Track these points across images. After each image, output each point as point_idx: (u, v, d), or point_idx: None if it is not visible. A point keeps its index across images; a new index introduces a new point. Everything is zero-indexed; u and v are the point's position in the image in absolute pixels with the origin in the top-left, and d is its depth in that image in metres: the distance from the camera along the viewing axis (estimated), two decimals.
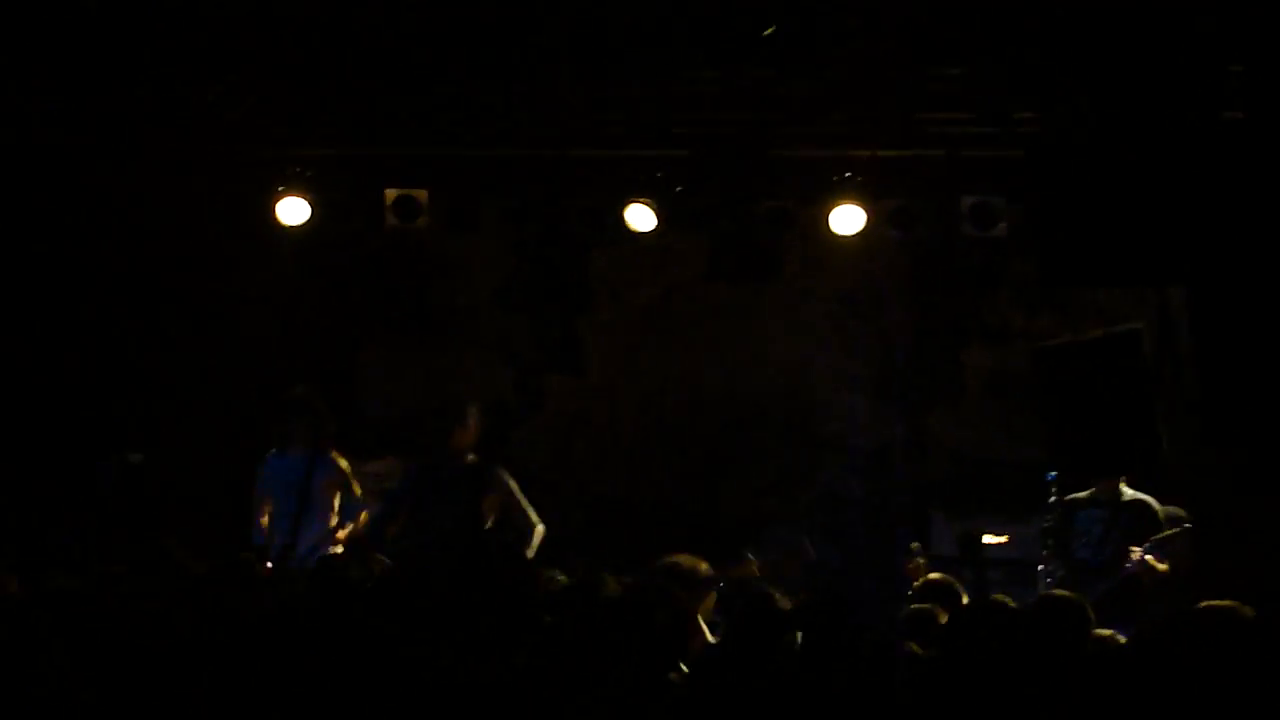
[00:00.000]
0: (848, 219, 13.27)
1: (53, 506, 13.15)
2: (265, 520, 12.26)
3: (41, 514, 13.29)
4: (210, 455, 14.61)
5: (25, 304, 14.58)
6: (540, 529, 12.51)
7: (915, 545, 12.03)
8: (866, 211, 13.25)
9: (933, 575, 10.02)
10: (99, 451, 12.16)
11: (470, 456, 12.51)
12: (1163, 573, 11.38)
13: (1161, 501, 12.36)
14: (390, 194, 13.95)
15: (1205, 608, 6.47)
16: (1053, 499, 11.80)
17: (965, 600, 9.39)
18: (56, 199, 14.33)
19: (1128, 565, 11.47)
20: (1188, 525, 11.48)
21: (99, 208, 14.42)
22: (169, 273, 14.91)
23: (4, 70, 12.78)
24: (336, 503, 12.31)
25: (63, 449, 14.04)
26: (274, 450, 12.59)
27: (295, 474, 12.24)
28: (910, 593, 9.98)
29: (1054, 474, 11.79)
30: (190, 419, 14.67)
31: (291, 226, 13.96)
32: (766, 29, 11.58)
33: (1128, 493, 11.74)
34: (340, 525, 12.18)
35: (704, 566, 9.38)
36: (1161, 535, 11.45)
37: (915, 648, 6.71)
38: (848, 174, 13.24)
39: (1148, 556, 11.41)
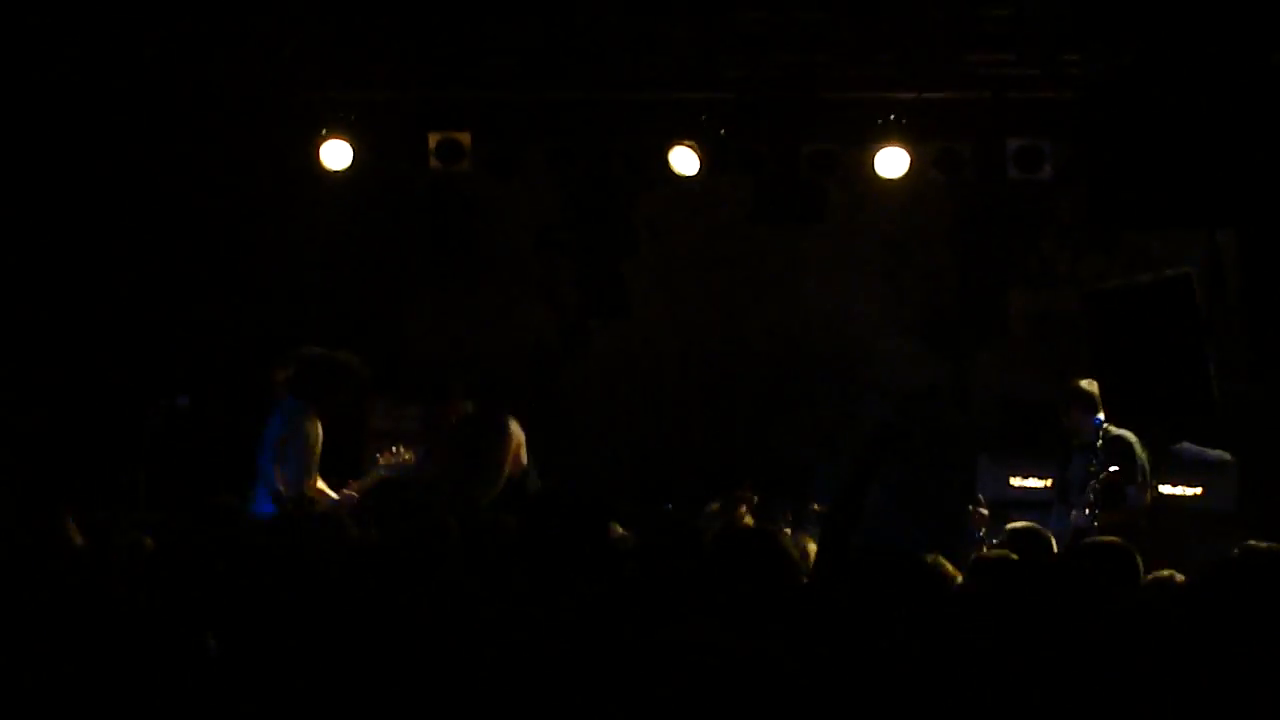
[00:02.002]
0: (893, 162, 13.23)
1: (100, 450, 13.18)
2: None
3: (89, 457, 13.34)
4: (257, 400, 14.63)
5: (74, 249, 14.60)
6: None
7: (980, 496, 11.99)
8: (911, 155, 13.19)
9: (1022, 524, 9.80)
10: (147, 395, 12.15)
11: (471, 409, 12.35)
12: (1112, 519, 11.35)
13: (1209, 444, 12.33)
14: (434, 137, 13.92)
15: (1250, 548, 6.43)
16: (1100, 442, 11.75)
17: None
18: (102, 144, 14.32)
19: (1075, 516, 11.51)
20: (1110, 472, 11.42)
21: (145, 153, 14.41)
22: (214, 216, 14.91)
23: (52, 14, 12.80)
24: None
25: (110, 393, 14.08)
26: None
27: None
28: (987, 538, 9.87)
29: (1100, 418, 11.73)
30: (237, 363, 14.66)
31: (335, 170, 13.95)
32: None
33: (1111, 431, 11.69)
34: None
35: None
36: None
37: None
38: (892, 116, 13.16)
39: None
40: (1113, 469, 11.46)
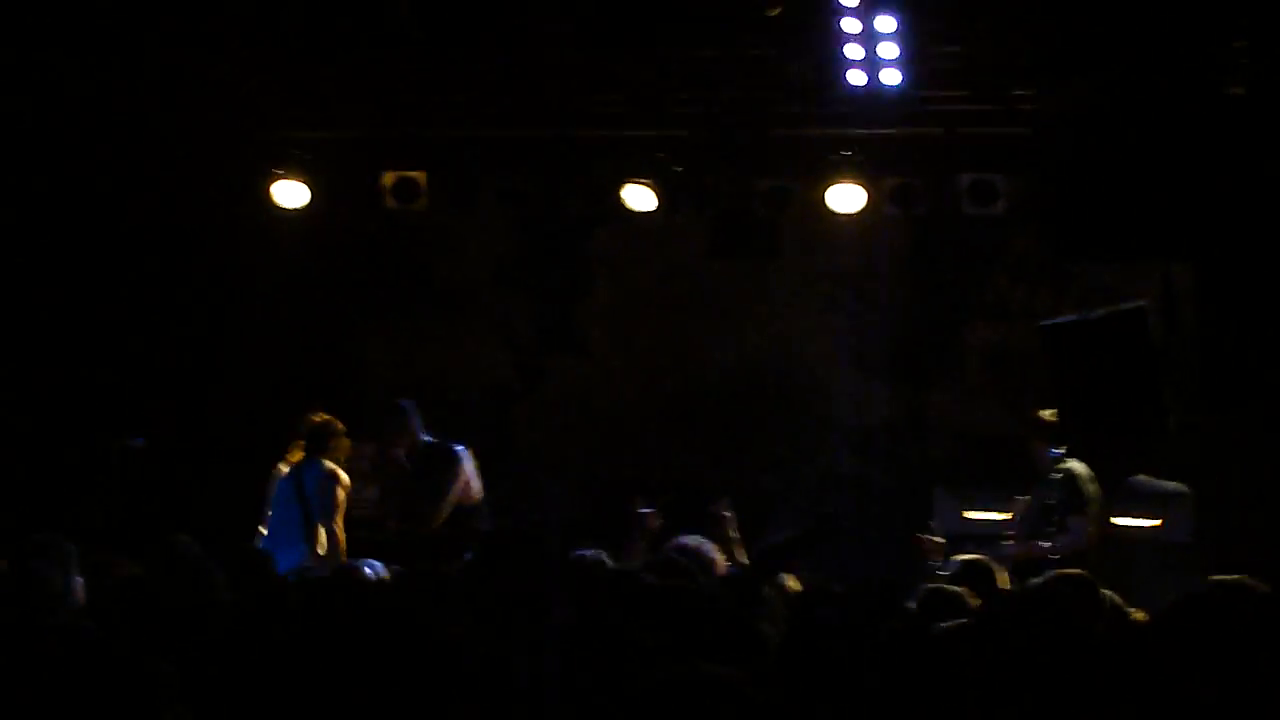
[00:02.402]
0: (847, 197, 13.26)
1: (56, 491, 13.09)
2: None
3: (45, 498, 13.24)
4: (213, 439, 14.56)
5: (25, 289, 14.51)
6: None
7: (933, 523, 11.97)
8: (866, 190, 13.21)
9: (970, 556, 9.80)
10: (100, 436, 12.08)
11: (423, 441, 12.31)
12: (1043, 552, 11.40)
13: (1166, 476, 12.37)
14: (389, 176, 13.91)
15: (1218, 582, 6.43)
16: (1058, 474, 11.78)
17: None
18: (56, 182, 14.25)
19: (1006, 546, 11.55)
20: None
21: (100, 191, 14.33)
22: (169, 256, 14.82)
23: (12, 49, 12.74)
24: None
25: (63, 433, 13.97)
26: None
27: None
28: (938, 572, 9.85)
29: (1058, 450, 11.77)
30: (193, 403, 14.60)
31: (290, 209, 13.92)
32: (771, 8, 11.53)
33: (1064, 465, 11.74)
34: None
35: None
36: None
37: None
38: (846, 152, 13.18)
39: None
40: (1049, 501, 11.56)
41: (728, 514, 11.28)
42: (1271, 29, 10.30)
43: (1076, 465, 11.76)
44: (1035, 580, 7.43)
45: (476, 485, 12.19)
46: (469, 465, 12.08)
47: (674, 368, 15.27)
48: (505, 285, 15.58)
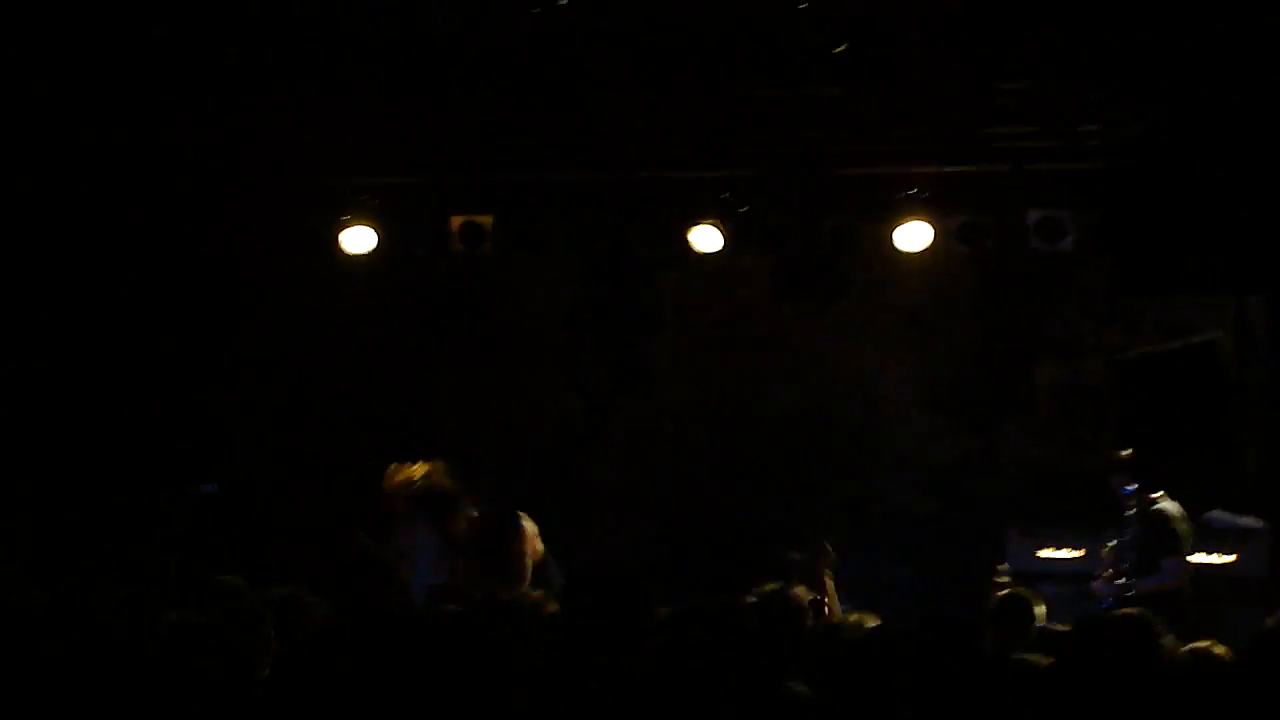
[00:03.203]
0: (914, 235, 13.14)
1: (131, 538, 13.14)
2: None
3: (119, 546, 13.29)
4: (287, 483, 14.60)
5: (101, 338, 14.60)
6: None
7: (1003, 565, 11.85)
8: (933, 227, 13.12)
9: (1006, 591, 9.73)
10: (175, 482, 12.12)
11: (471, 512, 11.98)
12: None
13: (1240, 511, 12.25)
14: (456, 220, 13.92)
15: None
16: (1131, 513, 11.69)
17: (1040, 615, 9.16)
18: (128, 231, 14.35)
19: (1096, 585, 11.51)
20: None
21: (170, 240, 14.42)
22: (238, 303, 14.90)
23: (80, 100, 12.83)
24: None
25: (139, 480, 14.03)
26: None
27: None
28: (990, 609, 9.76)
29: (1131, 488, 11.68)
30: (266, 448, 14.65)
31: (358, 255, 13.95)
32: (836, 46, 11.49)
33: (1157, 505, 11.66)
34: None
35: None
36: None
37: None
38: (913, 190, 13.12)
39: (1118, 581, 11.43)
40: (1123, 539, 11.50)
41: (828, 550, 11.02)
42: None
43: (1169, 505, 11.67)
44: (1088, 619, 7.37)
45: (539, 542, 11.97)
46: (531, 528, 11.85)
47: (741, 409, 15.23)
48: (572, 328, 15.54)
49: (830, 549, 10.86)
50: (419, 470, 11.97)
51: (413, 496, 12.10)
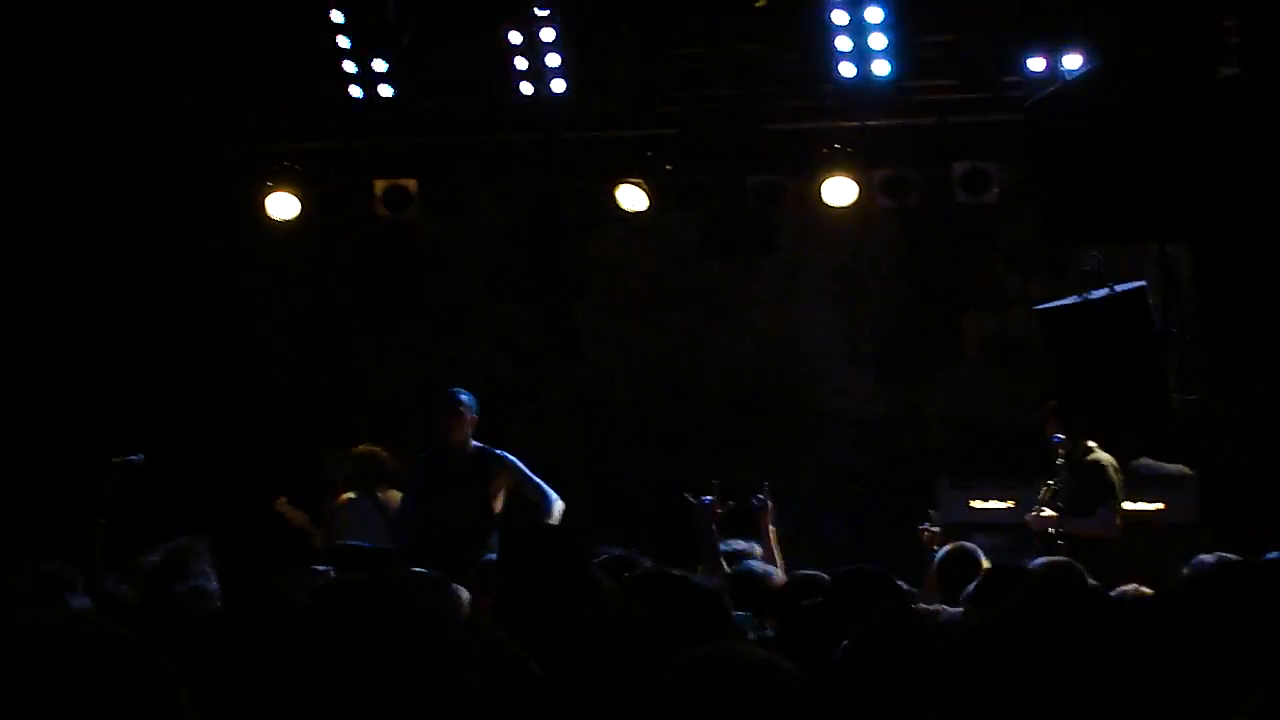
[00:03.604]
0: (840, 191, 13.15)
1: (55, 508, 13.02)
2: None
3: (45, 516, 13.18)
4: (211, 453, 14.49)
5: (22, 307, 14.47)
6: (559, 505, 12.00)
7: (932, 513, 11.86)
8: (858, 183, 13.12)
9: (952, 545, 9.71)
10: (98, 453, 11.99)
11: (471, 445, 12.06)
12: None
13: (1168, 458, 12.32)
14: (380, 185, 13.83)
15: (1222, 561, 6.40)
16: (1060, 461, 11.73)
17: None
18: (46, 200, 14.22)
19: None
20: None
21: (92, 209, 14.30)
22: (163, 272, 14.77)
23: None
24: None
25: (61, 451, 13.90)
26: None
27: None
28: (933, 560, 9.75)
29: (1059, 436, 11.73)
30: (193, 418, 14.53)
31: (282, 221, 13.87)
32: (758, 1, 11.46)
33: (1092, 455, 11.73)
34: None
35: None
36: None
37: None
38: (837, 145, 13.09)
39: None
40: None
41: (768, 503, 10.91)
42: (1263, 7, 10.22)
43: (1103, 455, 11.76)
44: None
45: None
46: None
47: (672, 367, 15.19)
48: (500, 291, 15.50)
49: (769, 501, 10.80)
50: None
51: (351, 463, 12.11)
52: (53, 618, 2.64)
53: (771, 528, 10.71)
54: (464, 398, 11.77)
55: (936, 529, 11.37)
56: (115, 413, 14.11)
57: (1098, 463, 11.76)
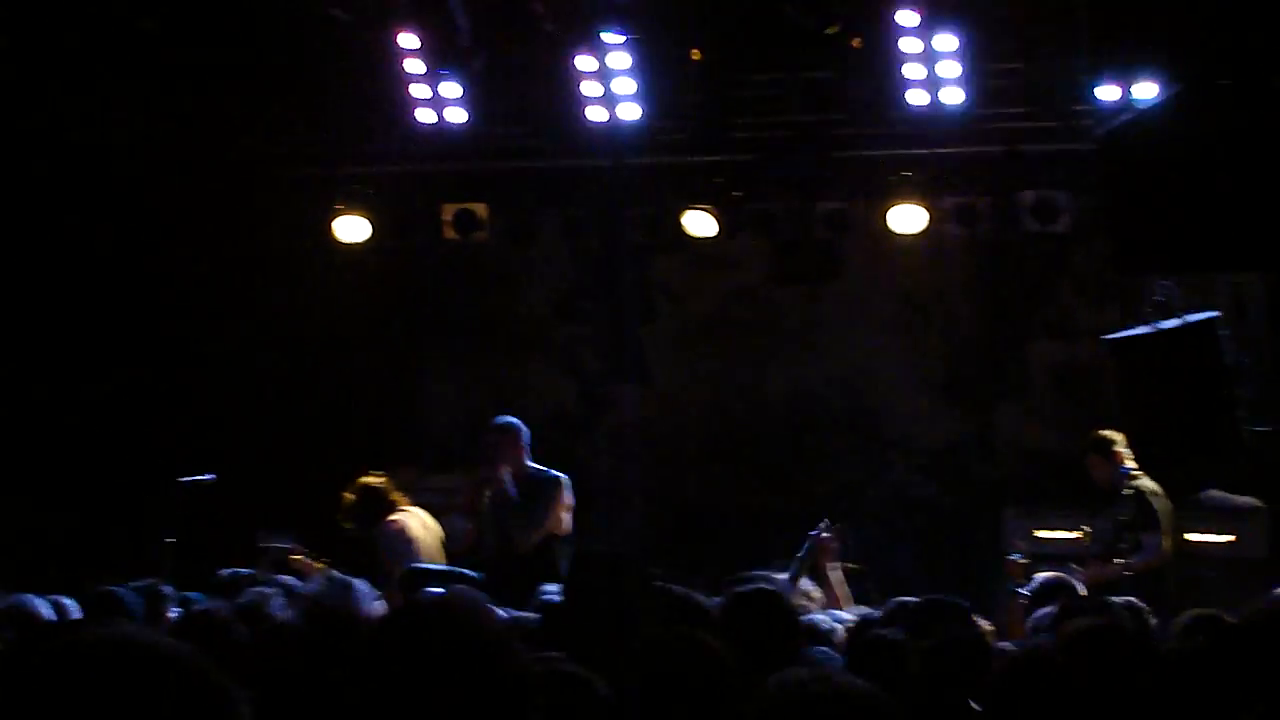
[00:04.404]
0: (908, 218, 13.14)
1: (127, 527, 13.08)
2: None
3: (116, 535, 13.24)
4: (280, 474, 14.53)
5: (95, 331, 14.56)
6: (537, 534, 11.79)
7: (1018, 543, 11.78)
8: (927, 210, 13.10)
9: (1052, 574, 9.58)
10: (168, 473, 12.04)
11: (528, 468, 11.65)
12: (1117, 571, 11.27)
13: (1238, 490, 12.19)
14: (449, 208, 13.87)
15: None
16: (1129, 492, 11.62)
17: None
18: (122, 226, 14.31)
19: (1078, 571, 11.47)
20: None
21: (163, 233, 14.38)
22: (233, 295, 14.82)
23: (73, 89, 12.80)
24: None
25: (131, 471, 13.97)
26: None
27: None
28: (1020, 591, 9.60)
29: (1128, 467, 11.62)
30: (259, 439, 14.56)
31: (351, 244, 13.91)
32: (829, 28, 11.43)
33: (1134, 482, 11.60)
34: None
35: None
36: None
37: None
38: (906, 173, 13.07)
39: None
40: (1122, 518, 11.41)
41: (827, 537, 10.72)
42: None
43: (1146, 482, 11.62)
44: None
45: (569, 520, 11.73)
46: (570, 497, 11.65)
47: (738, 393, 15.15)
48: (567, 315, 15.49)
49: (831, 539, 10.62)
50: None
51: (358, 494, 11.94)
52: (113, 637, 2.66)
53: (837, 566, 10.51)
54: (508, 422, 11.70)
55: (1024, 560, 11.27)
56: (187, 433, 14.16)
57: (1141, 490, 11.62)
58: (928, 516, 14.50)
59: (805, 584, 9.89)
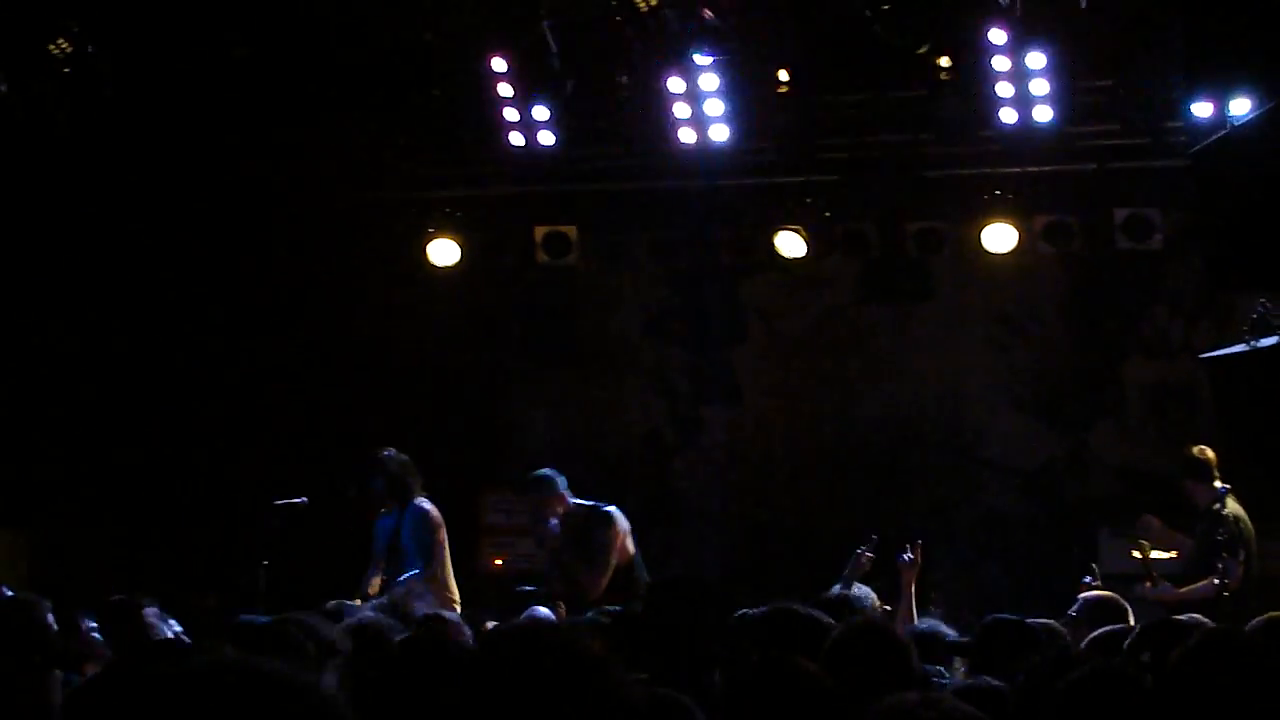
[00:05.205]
0: (1000, 237, 13.11)
1: (222, 550, 13.17)
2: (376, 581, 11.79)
3: (211, 558, 13.33)
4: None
5: (195, 355, 14.69)
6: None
7: (1094, 566, 11.64)
8: (1018, 229, 13.04)
9: (1096, 593, 9.50)
10: (263, 497, 12.11)
11: (572, 505, 11.54)
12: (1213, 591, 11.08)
13: None
14: (540, 231, 13.91)
15: None
16: (1226, 511, 11.46)
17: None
18: (216, 250, 14.44)
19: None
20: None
21: (257, 257, 14.49)
22: (326, 320, 14.89)
23: (169, 116, 12.94)
24: (435, 551, 11.68)
25: (226, 495, 14.07)
26: (382, 511, 12.06)
27: (388, 531, 11.84)
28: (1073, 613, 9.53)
29: (1225, 487, 11.47)
30: (352, 462, 14.62)
31: (443, 267, 13.97)
32: (919, 48, 11.39)
33: (1222, 505, 11.44)
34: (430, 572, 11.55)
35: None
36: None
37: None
38: (998, 192, 13.01)
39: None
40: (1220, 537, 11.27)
41: (868, 555, 10.78)
42: None
43: (1231, 504, 11.47)
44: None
45: (630, 543, 11.70)
46: (623, 525, 11.61)
47: (830, 414, 15.07)
48: (658, 336, 15.46)
49: (916, 556, 10.62)
50: None
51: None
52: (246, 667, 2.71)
53: (912, 586, 10.55)
54: (542, 476, 11.68)
55: (1098, 583, 11.14)
56: (278, 457, 14.22)
57: (1220, 512, 11.46)
58: (1021, 536, 14.37)
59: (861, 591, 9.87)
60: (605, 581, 11.31)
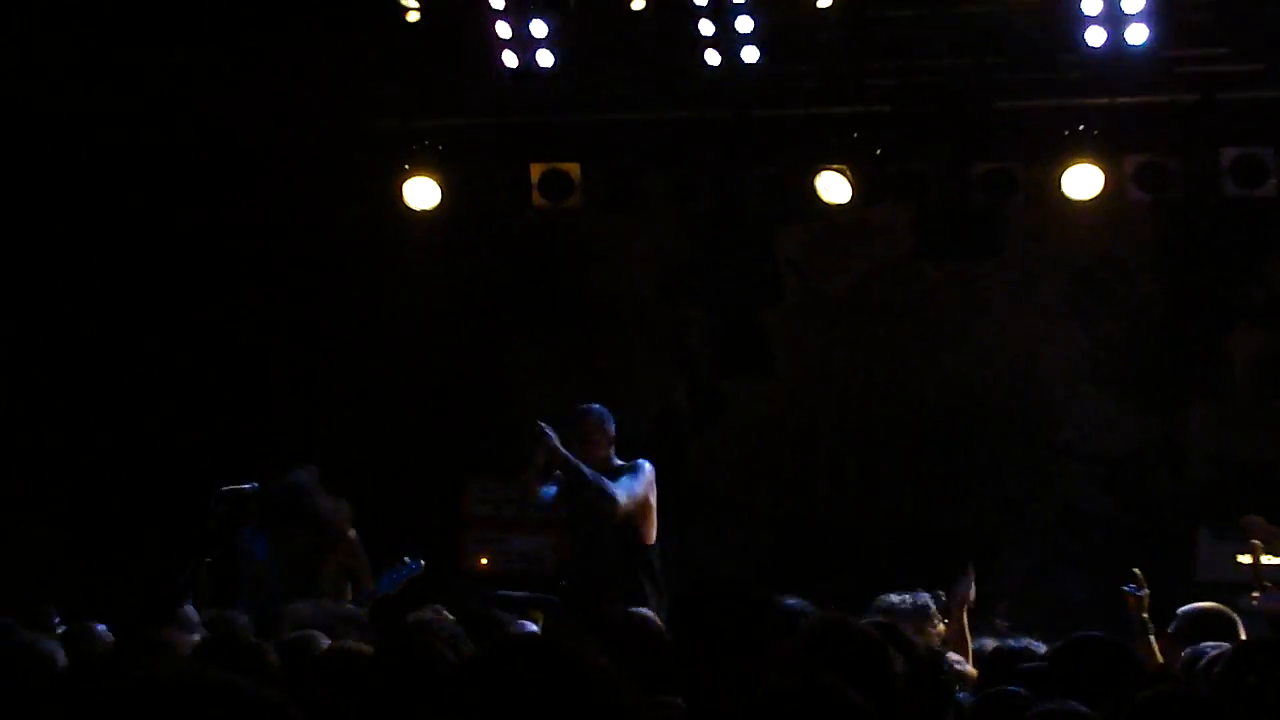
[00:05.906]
0: (1084, 181, 13.03)
1: (164, 537, 13.20)
2: None
3: (155, 544, 13.35)
4: (343, 480, 14.55)
5: (149, 305, 14.74)
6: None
7: (1136, 572, 11.62)
8: (1105, 172, 12.96)
9: (1200, 605, 9.50)
10: (209, 483, 12.13)
11: (614, 462, 11.62)
12: None
13: None
14: (536, 169, 13.85)
15: None
16: None
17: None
18: (178, 194, 14.50)
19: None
20: None
21: (209, 199, 14.53)
22: (288, 271, 14.92)
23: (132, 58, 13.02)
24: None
25: (168, 479, 14.08)
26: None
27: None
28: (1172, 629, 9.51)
29: None
30: (318, 440, 14.62)
31: (421, 211, 13.89)
32: None
33: None
34: None
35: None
36: None
37: None
38: (1082, 127, 12.91)
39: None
40: None
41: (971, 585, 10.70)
42: None
43: None
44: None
45: (653, 499, 11.67)
46: (653, 493, 11.61)
47: (877, 389, 15.09)
48: (675, 296, 15.46)
49: (971, 578, 10.57)
50: None
51: None
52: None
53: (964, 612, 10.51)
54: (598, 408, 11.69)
55: (1144, 592, 11.05)
56: (228, 439, 14.24)
57: None
58: (1104, 536, 14.33)
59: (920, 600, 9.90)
60: (630, 507, 11.32)
